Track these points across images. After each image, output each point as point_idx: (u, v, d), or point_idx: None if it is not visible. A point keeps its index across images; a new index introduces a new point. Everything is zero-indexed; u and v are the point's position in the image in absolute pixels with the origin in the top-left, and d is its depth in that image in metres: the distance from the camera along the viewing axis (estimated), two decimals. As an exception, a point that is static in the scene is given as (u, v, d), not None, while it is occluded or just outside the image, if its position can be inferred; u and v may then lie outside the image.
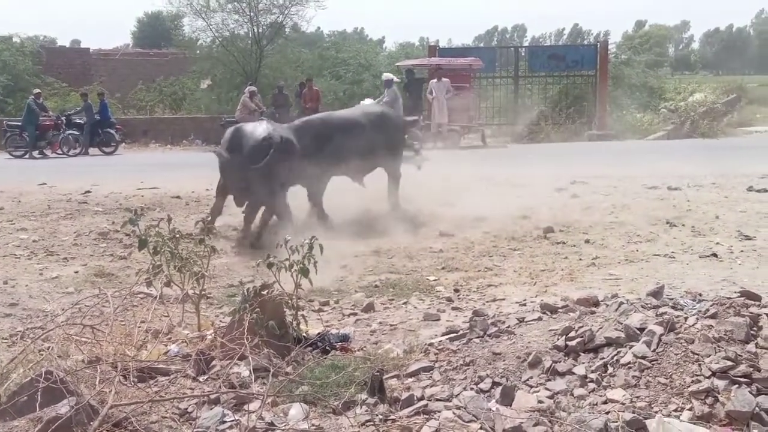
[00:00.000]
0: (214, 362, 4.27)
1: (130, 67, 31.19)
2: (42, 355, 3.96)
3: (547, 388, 3.70)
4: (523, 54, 26.24)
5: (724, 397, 3.33)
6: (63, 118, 20.51)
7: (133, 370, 3.79)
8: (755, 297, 4.12)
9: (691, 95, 26.48)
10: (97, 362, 3.82)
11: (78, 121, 20.58)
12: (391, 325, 5.25)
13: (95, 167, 16.44)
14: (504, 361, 4.02)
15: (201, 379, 4.12)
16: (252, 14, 27.02)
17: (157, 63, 31.78)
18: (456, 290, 6.24)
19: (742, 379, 3.38)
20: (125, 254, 7.52)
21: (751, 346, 3.59)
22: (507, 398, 3.62)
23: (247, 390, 3.84)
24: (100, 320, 4.53)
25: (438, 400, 3.72)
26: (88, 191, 11.80)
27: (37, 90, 21.49)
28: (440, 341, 4.54)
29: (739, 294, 4.18)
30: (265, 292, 4.44)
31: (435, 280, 6.62)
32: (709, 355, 3.56)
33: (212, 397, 3.79)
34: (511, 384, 3.73)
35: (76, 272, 6.82)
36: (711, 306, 3.98)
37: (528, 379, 3.81)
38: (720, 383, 3.39)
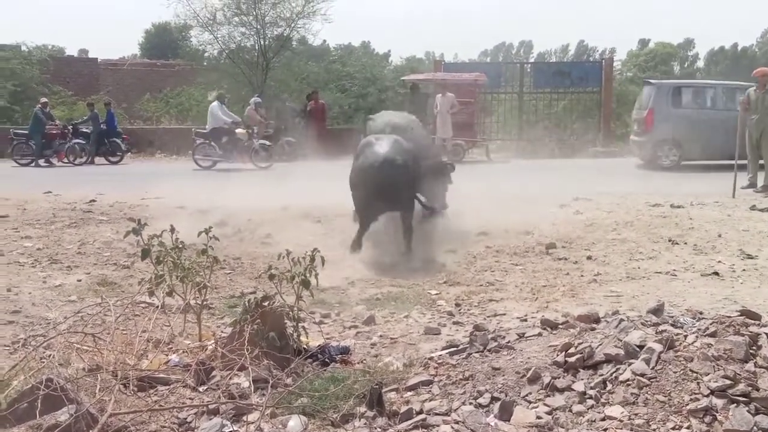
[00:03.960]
0: (214, 372, 4.28)
1: (137, 77, 31.38)
2: (43, 362, 3.98)
3: (545, 404, 3.70)
4: (528, 70, 26.36)
5: (722, 415, 3.33)
6: (69, 127, 20.62)
7: (134, 379, 3.81)
8: (755, 316, 4.12)
9: (696, 113, 26.37)
10: (97, 370, 3.83)
11: (84, 130, 20.69)
12: (391, 339, 5.26)
13: (101, 176, 16.50)
14: (503, 376, 4.02)
15: (201, 389, 4.12)
16: (258, 27, 27.16)
17: (164, 74, 31.96)
18: (457, 304, 6.24)
19: (740, 398, 3.39)
20: (128, 263, 7.54)
21: (750, 365, 3.59)
22: (506, 413, 3.63)
23: (247, 401, 3.85)
24: (102, 329, 4.55)
25: (437, 414, 3.72)
26: (93, 200, 11.85)
27: (44, 99, 21.60)
28: (440, 355, 4.55)
29: (739, 313, 4.17)
30: (266, 304, 4.46)
31: (436, 294, 6.63)
32: (708, 374, 3.56)
33: (211, 407, 3.80)
34: (509, 399, 3.74)
35: (79, 281, 6.84)
36: (711, 324, 3.98)
37: (527, 395, 3.82)
38: (718, 402, 3.39)
